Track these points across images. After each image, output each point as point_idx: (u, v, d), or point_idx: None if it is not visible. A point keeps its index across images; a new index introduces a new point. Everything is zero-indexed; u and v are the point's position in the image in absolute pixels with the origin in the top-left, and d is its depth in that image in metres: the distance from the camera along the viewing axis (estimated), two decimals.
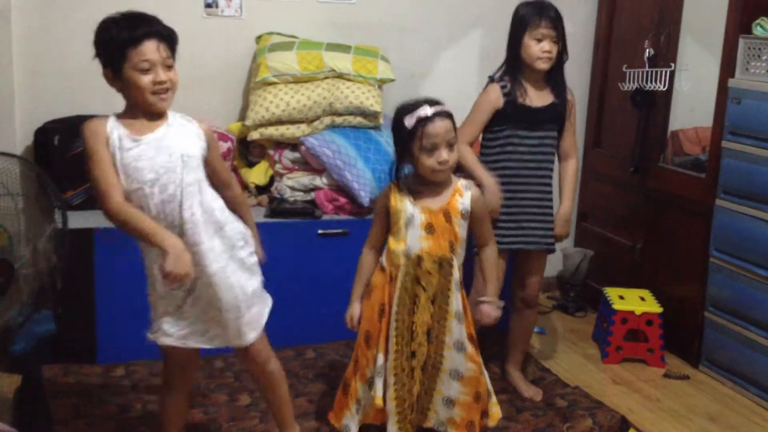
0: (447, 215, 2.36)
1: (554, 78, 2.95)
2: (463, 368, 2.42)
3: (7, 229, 3.07)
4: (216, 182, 2.29)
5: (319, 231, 3.34)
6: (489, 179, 2.83)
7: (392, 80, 3.67)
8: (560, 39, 2.88)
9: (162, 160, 2.13)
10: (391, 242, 2.39)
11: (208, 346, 2.30)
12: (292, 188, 3.50)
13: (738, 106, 3.22)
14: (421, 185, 2.38)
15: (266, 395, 2.50)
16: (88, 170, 2.12)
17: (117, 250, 3.12)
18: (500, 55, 4.01)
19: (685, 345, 3.55)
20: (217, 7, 3.65)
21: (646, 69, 3.70)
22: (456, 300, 2.39)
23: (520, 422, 2.90)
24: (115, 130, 2.13)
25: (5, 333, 3.06)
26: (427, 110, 2.28)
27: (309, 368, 3.22)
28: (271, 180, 3.60)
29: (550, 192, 3.03)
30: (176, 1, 3.55)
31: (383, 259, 2.42)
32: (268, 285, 2.40)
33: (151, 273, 2.27)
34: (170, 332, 2.27)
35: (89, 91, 3.50)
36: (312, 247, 3.34)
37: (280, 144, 3.55)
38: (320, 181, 3.50)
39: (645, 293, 3.65)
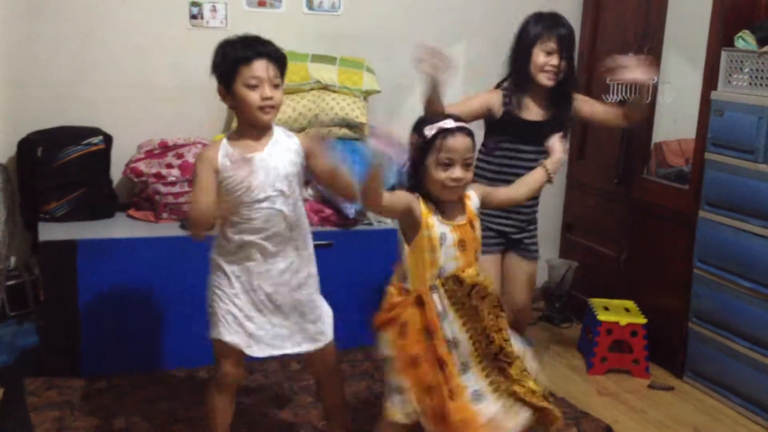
0: (472, 224, 2.27)
1: (559, 95, 2.86)
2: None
3: None
4: (324, 181, 2.50)
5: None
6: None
7: (378, 92, 3.68)
8: (569, 56, 2.81)
9: (269, 179, 2.29)
10: (420, 261, 2.22)
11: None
12: None
13: (721, 119, 3.25)
14: (436, 202, 2.24)
15: (332, 396, 2.59)
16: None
17: (100, 262, 3.10)
18: (486, 66, 4.02)
19: (669, 356, 3.56)
20: (202, 18, 3.65)
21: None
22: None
23: None
24: (225, 153, 2.29)
25: None
26: (449, 123, 2.20)
27: (293, 380, 3.20)
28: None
29: (537, 204, 3.01)
30: (161, 12, 3.55)
31: (407, 282, 2.25)
32: None
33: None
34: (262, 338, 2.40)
35: (73, 102, 3.50)
36: None
37: None
38: (306, 192, 3.50)
39: (630, 304, 3.66)
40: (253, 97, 2.25)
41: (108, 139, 3.43)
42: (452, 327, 2.22)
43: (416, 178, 2.23)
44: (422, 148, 2.19)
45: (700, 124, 3.38)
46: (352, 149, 3.52)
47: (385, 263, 3.50)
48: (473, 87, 4.07)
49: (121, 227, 3.33)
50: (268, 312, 2.37)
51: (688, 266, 3.42)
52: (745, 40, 3.16)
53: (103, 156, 3.42)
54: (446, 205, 2.24)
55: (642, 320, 3.51)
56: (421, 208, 2.20)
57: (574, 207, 4.29)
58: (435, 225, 2.20)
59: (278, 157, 2.33)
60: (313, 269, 2.49)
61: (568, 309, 4.15)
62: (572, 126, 2.96)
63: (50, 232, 3.15)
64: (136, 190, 3.44)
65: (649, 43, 3.69)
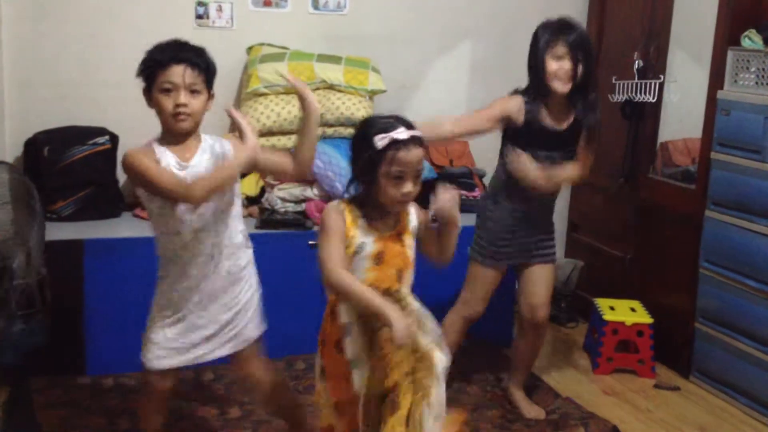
0: (400, 238, 2.12)
1: (577, 100, 2.81)
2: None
3: None
4: (274, 170, 2.49)
5: (310, 242, 3.33)
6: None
7: (383, 91, 3.68)
8: (584, 60, 2.75)
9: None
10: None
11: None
12: (283, 199, 3.50)
13: (727, 118, 3.24)
14: (373, 208, 2.10)
15: (274, 404, 2.54)
16: (147, 186, 2.18)
17: (106, 262, 3.11)
18: (491, 66, 4.03)
19: (675, 356, 3.55)
20: (208, 18, 3.65)
21: (636, 81, 3.72)
22: (431, 321, 2.13)
23: None
24: (162, 155, 2.20)
25: None
26: (402, 134, 2.00)
27: (299, 379, 3.21)
28: (262, 191, 3.59)
29: (552, 210, 3.02)
30: (167, 12, 3.56)
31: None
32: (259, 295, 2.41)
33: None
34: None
35: (80, 102, 3.51)
36: (303, 258, 3.33)
37: None
38: (311, 191, 3.50)
39: (635, 304, 3.66)
40: (166, 103, 2.16)
41: (114, 139, 3.44)
42: (354, 346, 2.08)
43: (364, 187, 2.09)
44: (372, 158, 2.01)
45: (707, 124, 3.37)
46: None
47: None
48: (477, 87, 4.10)
49: (127, 227, 3.34)
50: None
51: (694, 266, 3.41)
52: (752, 40, 3.15)
53: (109, 156, 3.43)
54: (380, 212, 2.10)
55: (648, 320, 3.50)
56: (346, 222, 2.07)
57: (580, 206, 4.28)
58: (357, 235, 2.07)
59: (206, 165, 2.22)
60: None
61: (573, 309, 4.14)
62: (598, 130, 2.90)
63: (57, 231, 3.16)
64: None
65: (655, 42, 3.68)
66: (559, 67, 2.74)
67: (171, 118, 2.17)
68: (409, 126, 2.05)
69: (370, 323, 2.04)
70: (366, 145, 2.02)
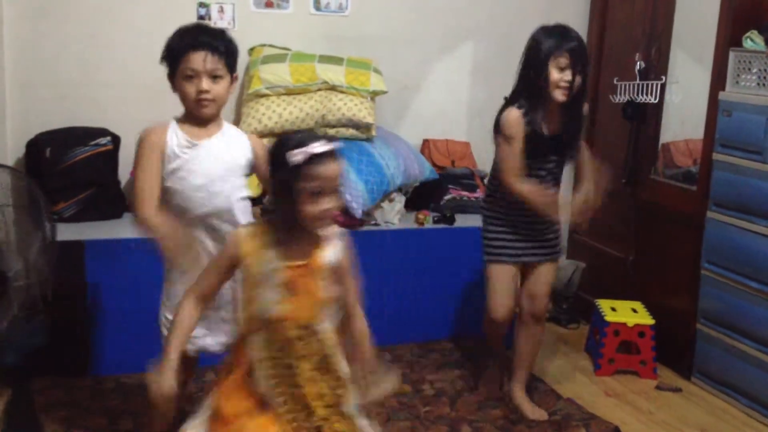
0: (310, 274, 1.95)
1: (569, 110, 2.82)
2: None
3: None
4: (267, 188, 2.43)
5: None
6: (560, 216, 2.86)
7: (385, 92, 3.68)
8: (582, 70, 2.75)
9: (213, 167, 2.27)
10: (246, 293, 1.97)
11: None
12: None
13: (728, 119, 3.24)
14: (288, 231, 1.94)
15: None
16: (134, 174, 2.24)
17: (108, 262, 3.11)
18: (492, 67, 4.02)
19: (677, 357, 3.55)
20: (209, 19, 3.65)
21: (637, 82, 3.72)
22: (343, 364, 2.00)
23: None
24: (173, 135, 2.26)
25: None
26: (318, 147, 1.87)
27: None
28: (264, 192, 3.59)
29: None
30: (169, 13, 3.56)
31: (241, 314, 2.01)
32: None
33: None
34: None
35: (81, 103, 3.52)
36: None
37: None
38: None
39: (637, 305, 3.65)
40: (189, 89, 2.21)
41: (116, 140, 3.44)
42: (264, 382, 1.94)
43: (281, 204, 1.94)
44: (288, 174, 1.87)
45: (708, 125, 3.37)
46: (359, 150, 3.53)
47: (392, 264, 3.53)
48: (479, 88, 4.10)
49: (128, 228, 3.32)
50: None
51: (695, 267, 3.41)
52: (753, 41, 3.15)
53: (111, 156, 3.43)
54: (296, 237, 1.94)
55: (649, 321, 3.50)
56: (243, 246, 1.93)
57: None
58: (263, 259, 1.92)
59: (224, 147, 2.30)
60: None
61: (575, 310, 4.14)
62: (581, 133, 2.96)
63: (58, 232, 3.15)
64: None
65: (656, 43, 3.68)
66: (561, 77, 2.73)
67: (194, 103, 2.22)
68: (328, 141, 1.92)
69: (285, 358, 1.93)
70: (282, 161, 1.89)
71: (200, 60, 2.18)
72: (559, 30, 2.77)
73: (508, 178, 2.82)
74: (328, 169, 1.89)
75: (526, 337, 3.10)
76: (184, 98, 2.25)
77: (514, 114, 2.80)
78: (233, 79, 2.29)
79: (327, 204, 1.89)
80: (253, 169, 2.39)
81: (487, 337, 3.23)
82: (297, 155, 1.86)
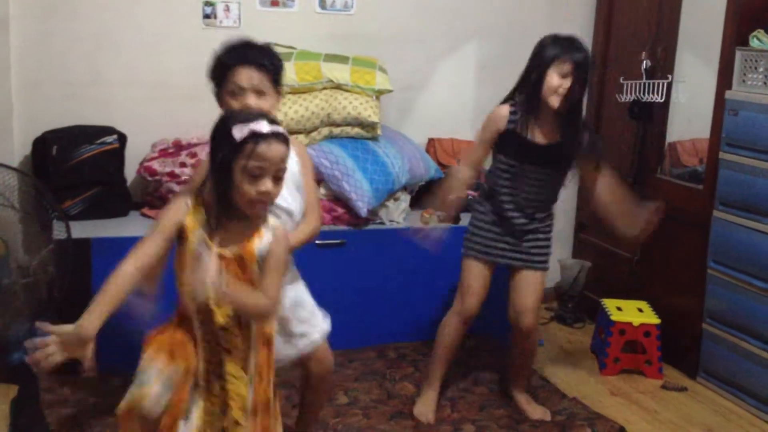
0: (241, 263, 1.86)
1: (567, 122, 2.81)
2: None
3: (5, 239, 3.07)
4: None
5: (317, 241, 3.33)
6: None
7: (390, 91, 3.68)
8: (583, 81, 2.74)
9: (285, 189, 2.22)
10: (180, 272, 1.91)
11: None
12: None
13: (735, 118, 3.23)
14: (225, 213, 1.85)
15: (316, 396, 2.57)
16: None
17: (115, 260, 3.10)
18: (498, 66, 4.02)
19: (682, 356, 3.54)
20: (215, 17, 3.66)
21: (644, 81, 3.72)
22: (253, 359, 1.93)
23: None
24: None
25: (2, 343, 3.05)
26: (263, 126, 1.80)
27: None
28: None
29: (550, 217, 2.99)
30: (175, 12, 3.57)
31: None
32: None
33: None
34: None
35: (88, 102, 3.53)
36: (309, 258, 3.31)
37: None
38: (318, 191, 3.51)
39: (643, 305, 3.65)
40: (234, 105, 2.16)
41: (122, 138, 3.45)
42: (200, 365, 1.91)
43: (219, 182, 1.83)
44: (229, 150, 1.80)
45: (715, 124, 3.36)
46: (365, 149, 3.53)
47: (397, 262, 3.54)
48: (484, 87, 4.09)
49: (134, 226, 3.35)
50: None
51: (701, 266, 3.41)
52: (760, 40, 3.14)
53: (117, 155, 3.44)
54: (232, 220, 1.86)
55: (655, 320, 3.49)
56: (187, 220, 1.86)
57: (587, 207, 4.27)
58: (196, 239, 1.84)
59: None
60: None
61: (580, 309, 4.14)
62: (597, 151, 2.95)
63: (65, 230, 3.16)
64: (150, 189, 3.45)
65: (663, 42, 3.67)
66: (560, 83, 2.72)
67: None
68: (273, 122, 1.85)
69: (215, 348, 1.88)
70: (224, 136, 1.81)
71: (245, 77, 2.16)
72: (569, 40, 2.77)
73: (461, 161, 2.85)
74: (271, 149, 1.80)
75: (516, 349, 3.09)
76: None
77: (499, 110, 2.86)
78: (279, 94, 2.25)
79: (266, 186, 1.81)
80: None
81: (435, 345, 3.07)
82: (241, 130, 1.79)
